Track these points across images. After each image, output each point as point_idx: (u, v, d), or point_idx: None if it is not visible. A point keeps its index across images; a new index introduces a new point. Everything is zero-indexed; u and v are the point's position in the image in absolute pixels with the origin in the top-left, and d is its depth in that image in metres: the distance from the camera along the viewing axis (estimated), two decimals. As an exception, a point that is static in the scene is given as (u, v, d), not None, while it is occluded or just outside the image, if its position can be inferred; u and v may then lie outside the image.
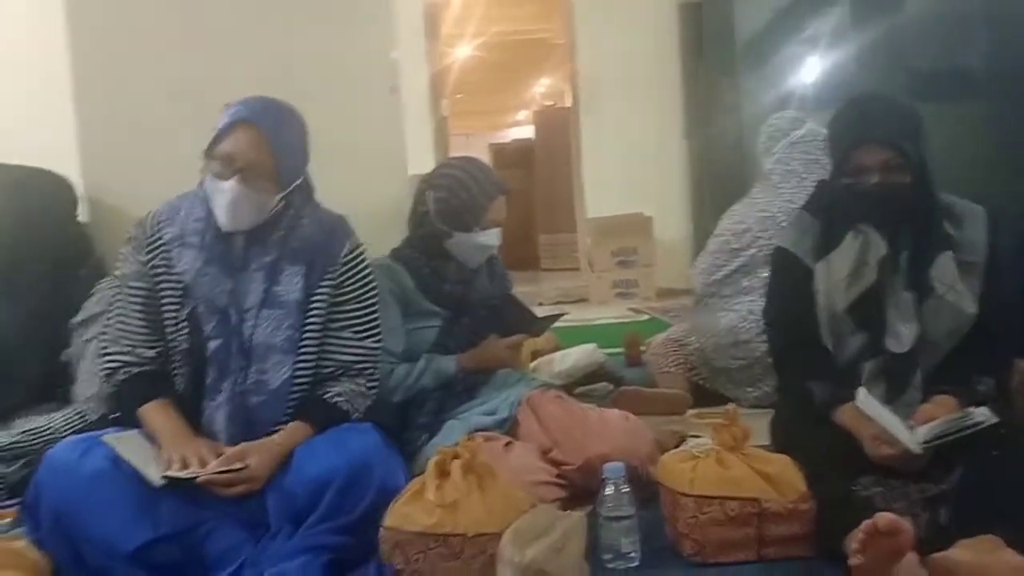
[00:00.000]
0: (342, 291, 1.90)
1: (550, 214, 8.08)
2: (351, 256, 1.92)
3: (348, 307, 1.91)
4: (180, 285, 1.84)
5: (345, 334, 1.90)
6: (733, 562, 1.69)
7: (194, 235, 1.85)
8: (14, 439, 2.04)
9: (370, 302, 1.94)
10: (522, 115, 14.69)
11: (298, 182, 1.88)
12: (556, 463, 2.02)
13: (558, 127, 7.71)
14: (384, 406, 2.10)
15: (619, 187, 6.00)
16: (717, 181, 5.40)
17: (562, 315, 2.49)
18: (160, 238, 1.87)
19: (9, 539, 1.60)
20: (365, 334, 1.92)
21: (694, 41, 5.84)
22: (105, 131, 2.51)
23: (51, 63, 2.62)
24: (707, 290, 3.04)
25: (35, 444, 2.02)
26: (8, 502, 1.74)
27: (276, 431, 1.81)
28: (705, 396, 2.90)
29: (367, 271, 1.96)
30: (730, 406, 1.87)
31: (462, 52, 9.51)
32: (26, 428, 2.06)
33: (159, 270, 1.86)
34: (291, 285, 1.84)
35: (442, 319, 2.25)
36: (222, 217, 1.82)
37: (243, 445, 1.77)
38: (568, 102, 7.68)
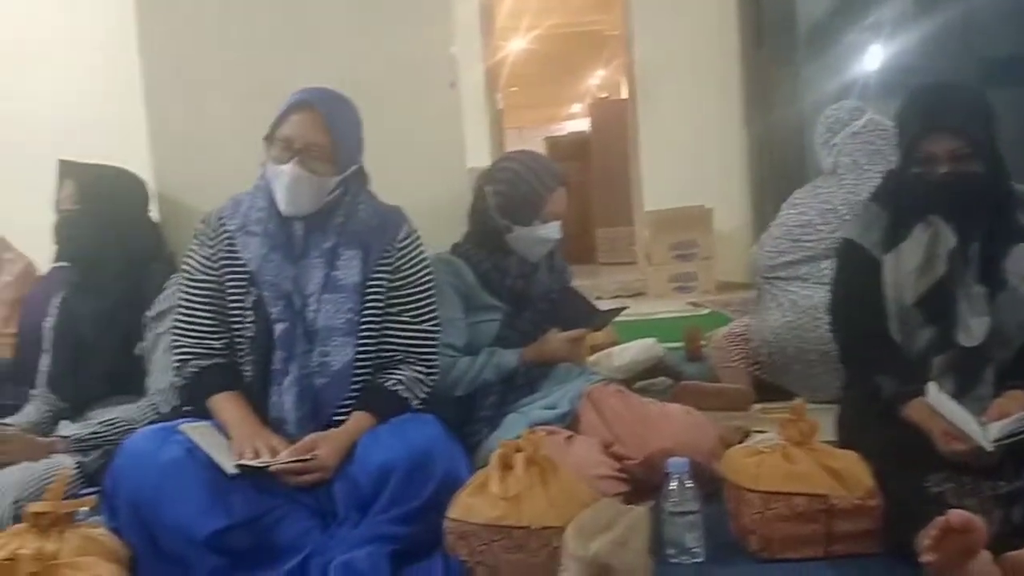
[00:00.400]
0: (399, 275, 1.94)
1: (607, 207, 8.03)
2: (406, 241, 1.97)
3: (405, 291, 1.95)
4: (245, 274, 1.89)
5: (403, 317, 1.94)
6: (800, 559, 1.67)
7: (257, 224, 1.90)
8: (92, 430, 2.10)
9: (426, 286, 1.98)
10: (577, 108, 14.65)
11: (354, 168, 1.93)
12: (618, 457, 2.02)
13: (614, 119, 7.67)
14: (446, 399, 2.13)
15: (677, 179, 5.94)
16: (777, 172, 5.32)
17: (624, 309, 2.47)
18: (224, 230, 1.93)
19: (88, 526, 1.65)
20: (422, 317, 1.96)
21: (753, 29, 5.75)
22: (176, 130, 2.57)
23: (123, 65, 2.68)
24: (768, 275, 3.00)
25: (111, 435, 2.08)
26: (87, 491, 1.80)
27: (341, 414, 1.86)
28: (768, 391, 2.87)
29: (422, 256, 1.99)
30: (797, 401, 1.85)
31: (516, 45, 9.51)
32: (103, 419, 2.13)
33: (224, 261, 1.91)
34: (349, 269, 1.89)
35: (503, 313, 2.26)
36: (283, 200, 1.86)
37: (312, 436, 1.81)
38: (624, 94, 7.63)
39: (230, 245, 1.92)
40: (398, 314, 1.94)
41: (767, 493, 1.68)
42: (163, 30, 2.56)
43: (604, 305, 2.51)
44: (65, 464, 1.98)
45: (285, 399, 1.86)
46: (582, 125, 11.38)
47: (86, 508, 1.67)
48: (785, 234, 2.95)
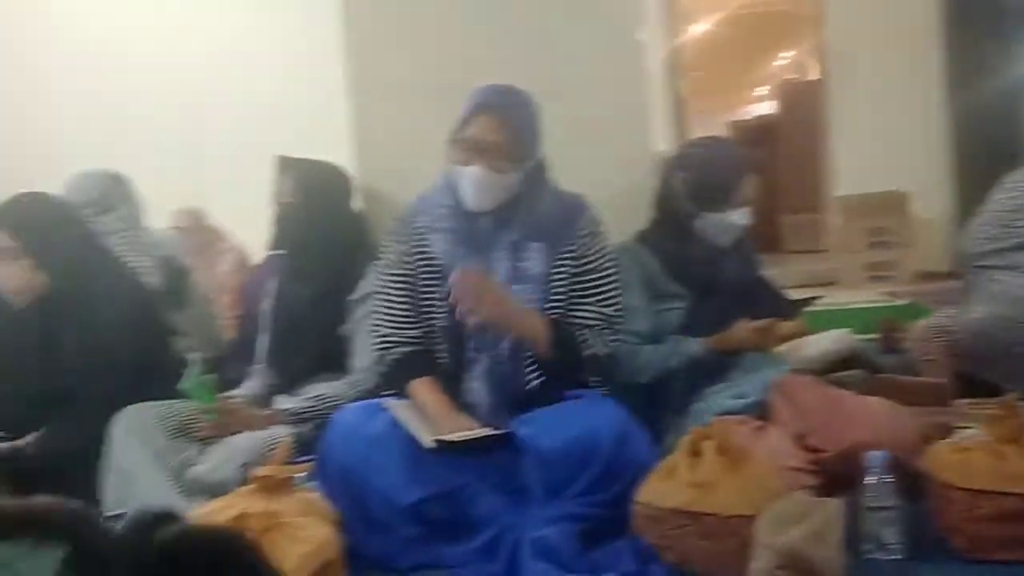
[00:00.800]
0: (581, 263, 1.99)
1: (795, 193, 7.72)
2: (589, 230, 2.01)
3: (587, 278, 1.99)
4: (437, 268, 1.99)
5: (585, 303, 1.98)
6: (1008, 560, 1.58)
7: (444, 220, 2.00)
8: (304, 405, 2.28)
9: (608, 273, 2.02)
10: (762, 91, 14.16)
11: (535, 161, 1.98)
12: (810, 450, 1.97)
13: (803, 101, 7.36)
14: (631, 387, 2.15)
15: (871, 163, 5.63)
16: (983, 153, 4.93)
17: (816, 299, 2.40)
18: (416, 227, 2.03)
19: (305, 491, 1.79)
20: (606, 302, 2.00)
21: (956, 1, 5.36)
22: (377, 125, 2.71)
23: (328, 64, 2.85)
24: (976, 263, 2.81)
25: (321, 409, 2.24)
26: (302, 458, 1.95)
27: (530, 399, 1.92)
28: (971, 386, 2.70)
29: (604, 244, 2.03)
30: (1008, 396, 1.74)
31: (699, 28, 9.32)
32: (314, 395, 2.30)
33: (417, 256, 2.02)
34: (534, 260, 1.95)
35: (689, 301, 2.25)
36: (469, 200, 1.95)
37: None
38: (813, 75, 7.32)
39: (421, 241, 2.02)
40: (581, 301, 1.98)
41: (975, 491, 1.59)
42: (367, 31, 2.70)
43: (792, 295, 2.45)
44: (284, 434, 2.16)
45: (477, 386, 1.97)
46: (767, 109, 10.98)
47: (303, 474, 1.82)
48: (995, 220, 2.76)
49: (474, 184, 1.93)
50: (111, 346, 2.21)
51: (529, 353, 1.95)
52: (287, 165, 2.48)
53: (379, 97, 2.71)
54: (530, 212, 1.98)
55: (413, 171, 2.34)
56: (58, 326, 2.25)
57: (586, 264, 1.99)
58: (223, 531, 0.60)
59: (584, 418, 1.84)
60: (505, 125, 1.93)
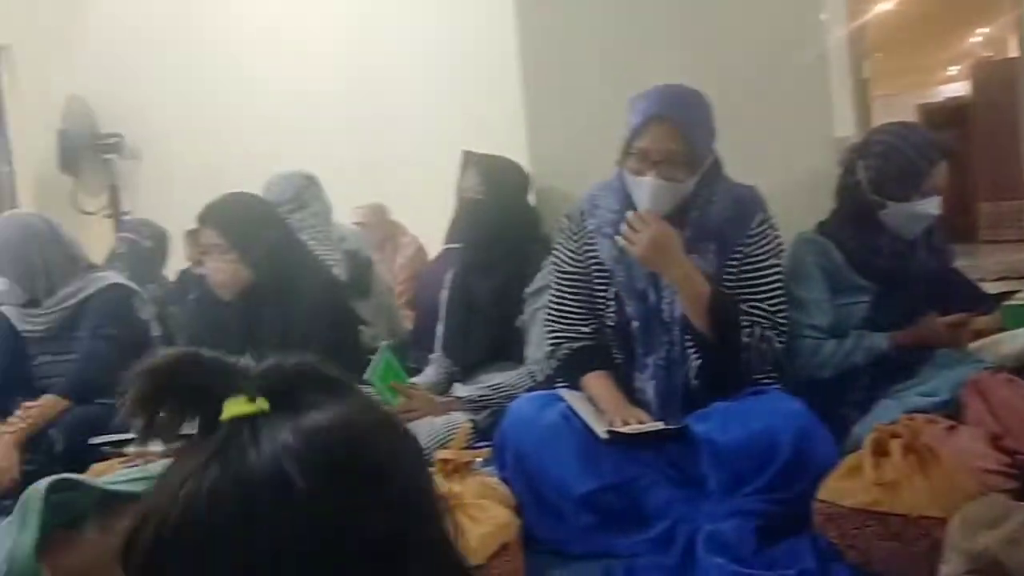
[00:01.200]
0: (748, 261, 1.96)
1: (991, 179, 7.23)
2: (760, 229, 1.98)
3: (754, 275, 1.96)
4: (605, 270, 2.01)
5: (752, 300, 1.95)
6: None
7: (610, 226, 2.00)
8: (480, 393, 2.37)
9: (776, 270, 1.98)
10: (954, 70, 13.24)
11: (709, 161, 1.96)
12: (1008, 451, 1.85)
13: (999, 81, 6.88)
14: (813, 382, 2.09)
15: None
16: None
17: (1015, 292, 2.25)
18: (585, 228, 2.06)
19: (484, 475, 1.87)
20: (771, 299, 1.96)
21: None
22: (551, 121, 2.74)
23: (504, 61, 2.91)
24: None
25: (496, 398, 2.32)
26: (479, 444, 2.03)
27: (702, 397, 1.91)
28: None
29: (774, 241, 2.00)
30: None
31: (882, 7, 8.82)
32: (489, 384, 2.38)
33: (589, 254, 2.05)
34: (705, 261, 1.94)
35: (873, 294, 2.17)
36: (643, 208, 1.93)
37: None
38: (1010, 52, 6.79)
39: (590, 242, 2.05)
40: (748, 296, 1.95)
41: None
42: (541, 25, 2.73)
43: (988, 288, 2.30)
44: (462, 420, 2.25)
45: (647, 388, 1.98)
46: (960, 89, 10.29)
47: (481, 459, 1.90)
48: None
49: (649, 195, 1.93)
50: (307, 334, 2.36)
51: (695, 348, 1.93)
52: (471, 161, 2.56)
53: (552, 90, 2.74)
54: (703, 213, 1.96)
55: (584, 165, 2.36)
56: (259, 316, 2.43)
57: (753, 262, 1.96)
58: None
59: (763, 415, 1.82)
60: (678, 134, 1.91)
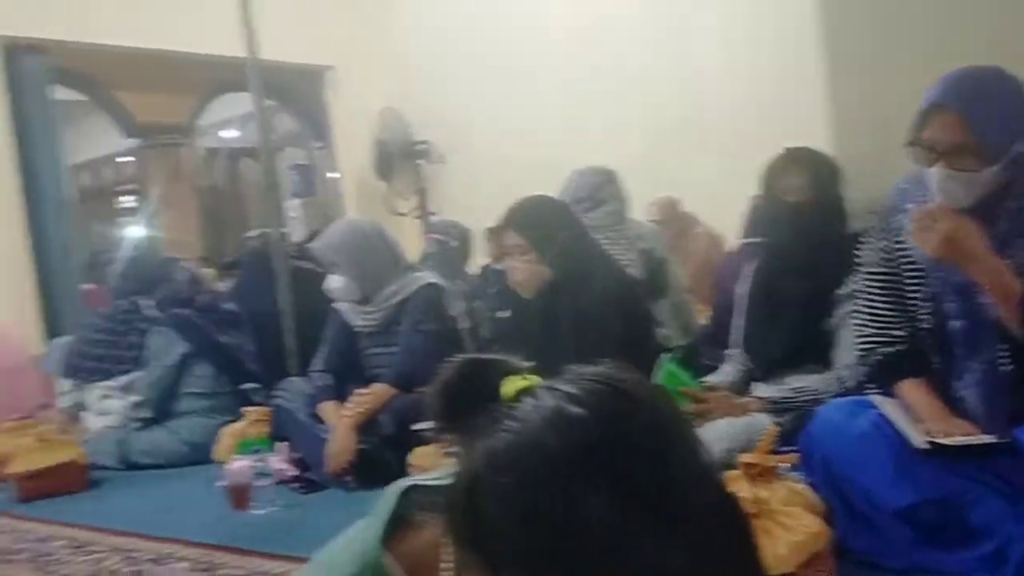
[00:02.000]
0: None
1: None
2: None
3: None
4: (918, 269, 1.88)
5: None
6: None
7: None
8: (784, 395, 2.31)
9: None
10: None
11: (1016, 150, 1.75)
12: None
13: None
14: None
15: None
16: None
17: None
18: (892, 224, 1.93)
19: (791, 480, 1.83)
20: None
21: None
22: (854, 113, 2.62)
23: (803, 47, 2.82)
24: None
25: (800, 401, 2.26)
26: (786, 448, 1.99)
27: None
28: None
29: None
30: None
31: None
32: (794, 386, 2.32)
33: (899, 253, 1.92)
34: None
35: None
36: (937, 200, 1.79)
37: None
38: None
39: (899, 240, 1.91)
40: None
41: None
42: (844, 18, 2.61)
43: None
44: (766, 423, 2.21)
45: (969, 396, 1.82)
46: None
47: (788, 464, 1.86)
48: None
49: (939, 187, 1.78)
50: (601, 332, 2.45)
51: (1009, 353, 1.76)
52: (794, 159, 2.48)
53: (854, 76, 2.61)
54: (1019, 203, 1.77)
55: (888, 157, 2.23)
56: (556, 313, 2.55)
57: None
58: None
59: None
60: (965, 124, 1.73)
